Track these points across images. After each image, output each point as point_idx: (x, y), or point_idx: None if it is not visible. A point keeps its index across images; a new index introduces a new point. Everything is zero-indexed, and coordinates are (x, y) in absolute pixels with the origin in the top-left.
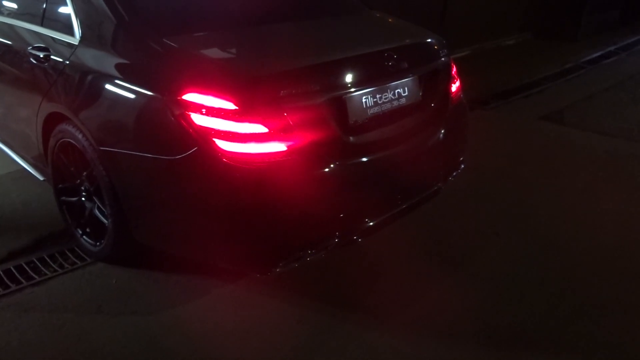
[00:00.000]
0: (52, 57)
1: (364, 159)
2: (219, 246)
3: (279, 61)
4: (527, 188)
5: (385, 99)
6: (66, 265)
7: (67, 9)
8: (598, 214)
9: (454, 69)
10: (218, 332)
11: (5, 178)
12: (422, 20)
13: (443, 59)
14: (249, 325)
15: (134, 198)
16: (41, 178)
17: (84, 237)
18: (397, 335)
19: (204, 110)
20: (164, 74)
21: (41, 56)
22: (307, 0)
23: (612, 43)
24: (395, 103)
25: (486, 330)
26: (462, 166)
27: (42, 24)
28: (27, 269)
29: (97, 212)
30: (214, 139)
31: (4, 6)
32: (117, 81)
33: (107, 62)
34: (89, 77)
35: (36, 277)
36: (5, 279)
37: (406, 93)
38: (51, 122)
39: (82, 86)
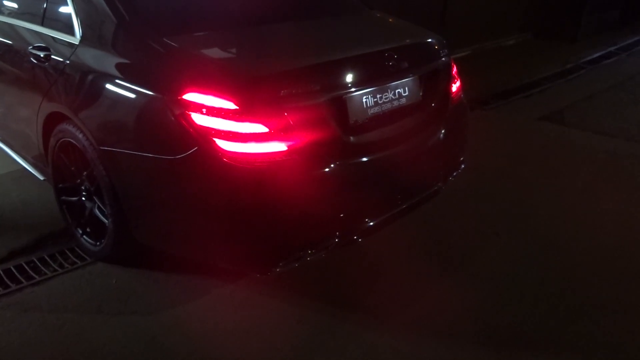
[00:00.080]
0: (52, 56)
1: (364, 159)
2: (219, 246)
3: (279, 61)
4: (527, 188)
5: (385, 98)
6: (66, 265)
7: (67, 9)
8: (598, 214)
9: (454, 69)
10: (218, 332)
11: (5, 178)
12: (422, 20)
13: (443, 59)
14: (248, 325)
15: (134, 198)
16: (41, 178)
17: (84, 236)
18: (397, 335)
19: (204, 110)
20: (165, 74)
21: (42, 56)
22: (307, 0)
23: (612, 43)
24: (396, 103)
25: (486, 330)
26: (462, 166)
27: (42, 24)
28: (27, 268)
29: (97, 211)
30: (215, 139)
31: (4, 6)
32: (117, 81)
33: (108, 61)
34: (90, 77)
35: (36, 276)
36: (5, 278)
37: (406, 93)
38: (51, 121)
39: (82, 86)
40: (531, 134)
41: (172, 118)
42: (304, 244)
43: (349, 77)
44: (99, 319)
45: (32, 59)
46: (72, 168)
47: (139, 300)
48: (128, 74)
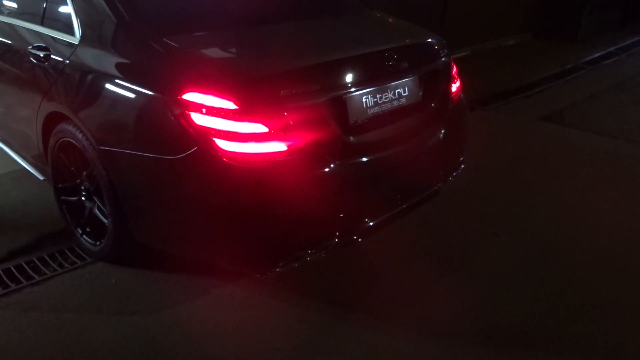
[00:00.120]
0: (52, 56)
1: (364, 159)
2: (219, 246)
3: (279, 61)
4: (527, 188)
5: (385, 99)
6: (66, 265)
7: (67, 9)
8: (598, 214)
9: (454, 69)
10: (218, 332)
11: (5, 177)
12: (422, 20)
13: (443, 59)
14: (248, 325)
15: (133, 197)
16: (41, 177)
17: (84, 236)
18: (397, 335)
19: (204, 110)
20: (164, 74)
21: (41, 56)
22: (307, 0)
23: (612, 44)
24: (396, 103)
25: (486, 330)
26: (462, 166)
27: (42, 24)
28: (26, 268)
29: (97, 211)
30: (214, 139)
31: (4, 5)
32: (117, 81)
33: (108, 61)
34: (89, 77)
35: (36, 276)
36: (5, 278)
37: (406, 93)
38: (51, 121)
39: (82, 86)
40: (531, 134)
41: (172, 118)
42: (304, 244)
43: (349, 77)
44: (99, 318)
45: (31, 58)
46: (72, 168)
47: (139, 300)
48: (128, 73)
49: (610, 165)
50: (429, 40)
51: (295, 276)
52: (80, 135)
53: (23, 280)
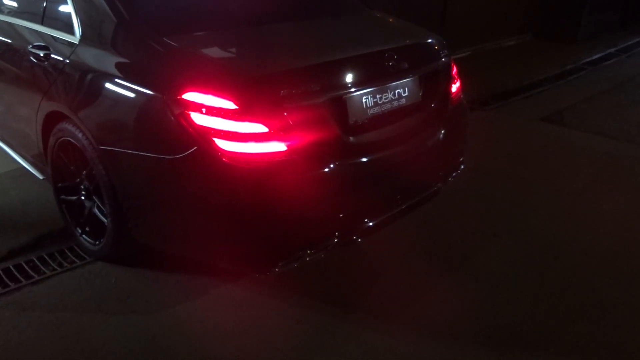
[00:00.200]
0: (52, 55)
1: (364, 159)
2: (219, 246)
3: (279, 61)
4: (527, 189)
5: (385, 99)
6: (65, 264)
7: (67, 8)
8: (598, 214)
9: (454, 70)
10: (217, 332)
11: (4, 177)
12: (422, 20)
13: (443, 59)
14: (248, 325)
15: (133, 197)
16: (41, 177)
17: (84, 236)
18: (397, 335)
19: (204, 110)
20: (164, 73)
21: (41, 55)
22: (307, 0)
23: (612, 44)
24: (396, 103)
25: (486, 330)
26: (462, 166)
27: (42, 23)
28: (26, 267)
29: (96, 211)
30: (214, 139)
31: (4, 5)
32: (117, 80)
33: (107, 61)
34: (89, 76)
35: (35, 275)
36: (4, 277)
37: (406, 93)
38: (51, 120)
39: (82, 85)
40: (531, 134)
41: (172, 118)
42: (304, 244)
43: (349, 77)
44: (99, 318)
45: (31, 58)
46: (72, 167)
47: (139, 300)
48: (128, 73)
49: (610, 166)
50: (429, 40)
51: (295, 276)
52: (80, 135)
53: (22, 279)
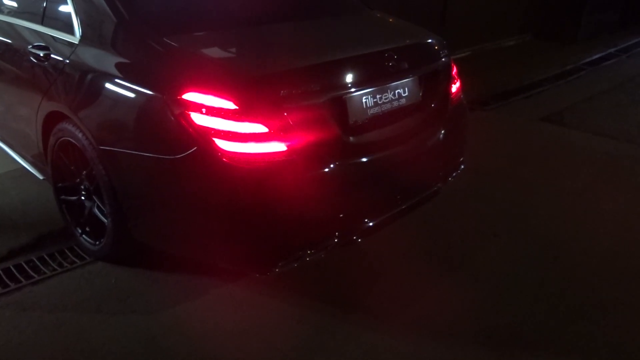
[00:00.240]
0: (52, 55)
1: (364, 159)
2: (219, 246)
3: (279, 61)
4: (527, 189)
5: (385, 99)
6: (65, 264)
7: (67, 8)
8: (598, 214)
9: (454, 70)
10: (218, 332)
11: (4, 177)
12: (422, 20)
13: (443, 59)
14: (248, 325)
15: (133, 197)
16: (41, 177)
17: (84, 236)
18: (397, 335)
19: (204, 110)
20: (164, 73)
21: (41, 55)
22: (307, 0)
23: (612, 45)
24: (396, 103)
25: (486, 330)
26: (462, 167)
27: (42, 23)
28: (26, 267)
29: (96, 211)
30: (214, 139)
31: (4, 5)
32: (117, 80)
33: (107, 61)
34: (89, 76)
35: (35, 276)
36: (4, 277)
37: (406, 93)
38: (51, 120)
39: (82, 85)
40: (531, 135)
41: (172, 118)
42: (304, 244)
43: (349, 78)
44: (99, 318)
45: (31, 58)
46: (72, 167)
47: (139, 300)
48: (128, 73)
49: (610, 166)
50: (429, 40)
51: (295, 276)
52: (80, 135)
53: (22, 279)
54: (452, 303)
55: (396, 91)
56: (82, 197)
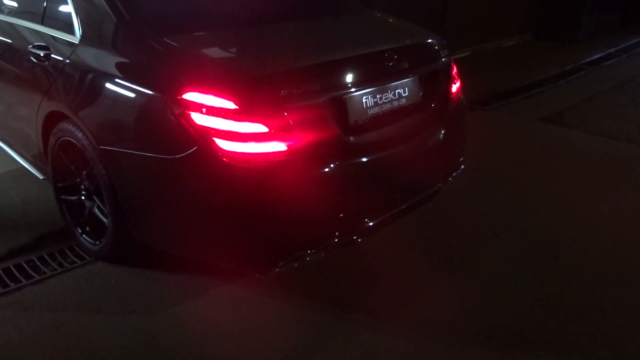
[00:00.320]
0: (52, 55)
1: (364, 159)
2: (219, 246)
3: (279, 61)
4: (527, 189)
5: (385, 99)
6: (65, 264)
7: (67, 8)
8: (598, 214)
9: (454, 70)
10: (217, 332)
11: (4, 177)
12: (422, 20)
13: (443, 59)
14: (248, 325)
15: (133, 197)
16: (41, 177)
17: (84, 235)
18: (397, 335)
19: (204, 110)
20: (165, 73)
21: (41, 55)
22: (307, 0)
23: (612, 45)
24: (396, 103)
25: (486, 330)
26: (462, 166)
27: (42, 23)
28: (26, 267)
29: (96, 211)
30: (214, 139)
31: (4, 5)
32: (117, 80)
33: (108, 61)
34: (90, 76)
35: (35, 275)
36: (4, 277)
37: (406, 93)
38: (51, 120)
39: (82, 85)
40: (531, 135)
41: (172, 117)
42: (304, 244)
43: (349, 77)
44: (99, 318)
45: (32, 58)
46: (72, 167)
47: (139, 300)
48: (128, 73)
49: (610, 166)
50: (429, 40)
51: (295, 276)
52: (80, 135)
53: (23, 279)
54: (452, 303)
55: (396, 91)
56: (82, 197)
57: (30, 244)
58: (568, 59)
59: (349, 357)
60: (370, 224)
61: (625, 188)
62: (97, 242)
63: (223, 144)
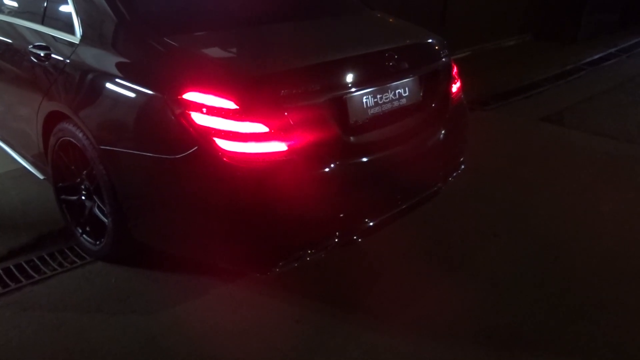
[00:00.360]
0: (52, 55)
1: (364, 159)
2: (219, 246)
3: (279, 61)
4: (527, 189)
5: (385, 99)
6: (66, 264)
7: (68, 8)
8: (598, 214)
9: (455, 70)
10: (217, 331)
11: (4, 177)
12: (422, 20)
13: (443, 59)
14: (248, 325)
15: (133, 197)
16: (41, 177)
17: (84, 235)
18: (397, 335)
19: (204, 110)
20: (165, 73)
21: (42, 55)
22: (307, 0)
23: (612, 45)
24: (396, 103)
25: (486, 330)
26: (462, 166)
27: (42, 23)
28: (26, 267)
29: (96, 210)
30: (215, 138)
31: (4, 5)
32: (117, 80)
33: (108, 61)
34: (90, 76)
35: (36, 275)
36: (4, 277)
37: (407, 93)
38: (51, 120)
39: (82, 85)
40: (531, 135)
41: (172, 117)
42: (304, 244)
43: (349, 77)
44: (99, 318)
45: (32, 58)
46: (72, 167)
47: (139, 300)
48: (128, 73)
49: (610, 166)
50: (430, 40)
51: (295, 276)
52: (80, 135)
53: (23, 279)
54: (452, 303)
55: (396, 91)
56: (83, 197)
57: (31, 244)
58: (568, 59)
59: (349, 357)
60: (371, 224)
61: (625, 188)
62: (97, 242)
63: (223, 143)
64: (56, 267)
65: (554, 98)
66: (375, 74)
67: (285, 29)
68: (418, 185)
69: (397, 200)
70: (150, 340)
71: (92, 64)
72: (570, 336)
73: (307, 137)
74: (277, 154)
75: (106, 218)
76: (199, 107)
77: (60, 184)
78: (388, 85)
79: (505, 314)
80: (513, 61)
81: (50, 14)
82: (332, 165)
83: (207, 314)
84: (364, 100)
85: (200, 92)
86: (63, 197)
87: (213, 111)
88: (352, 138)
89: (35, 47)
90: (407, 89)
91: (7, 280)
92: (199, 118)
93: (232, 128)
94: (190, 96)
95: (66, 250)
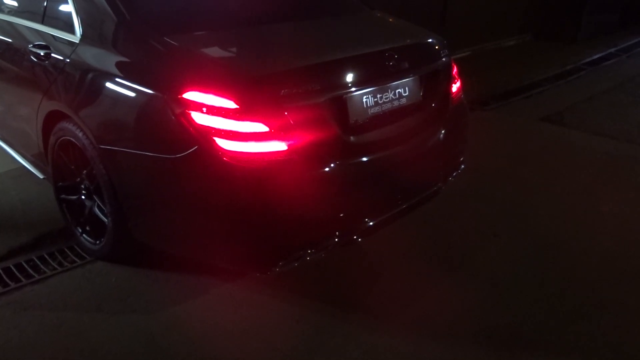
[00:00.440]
0: (52, 55)
1: (365, 159)
2: (219, 245)
3: (279, 60)
4: (527, 189)
5: (385, 98)
6: (66, 264)
7: (68, 7)
8: (598, 214)
9: (455, 70)
10: (217, 331)
11: (4, 176)
12: (422, 20)
13: (444, 59)
14: (248, 325)
15: (133, 197)
16: (41, 176)
17: (84, 235)
18: (397, 335)
19: (204, 109)
20: (165, 73)
21: (42, 54)
22: (307, 0)
23: (612, 45)
24: (396, 103)
25: (486, 330)
26: (462, 166)
27: (42, 22)
28: (26, 267)
29: (96, 210)
30: (215, 138)
31: (4, 4)
32: (117, 79)
33: (108, 60)
34: (90, 75)
35: (36, 275)
36: (4, 277)
37: (407, 93)
38: (51, 120)
39: (82, 84)
40: (531, 135)
41: (173, 117)
42: (304, 244)
43: (350, 77)
44: (99, 317)
45: (32, 57)
46: (72, 166)
47: (139, 300)
48: (128, 72)
49: (610, 166)
50: (430, 40)
51: (295, 276)
52: (80, 134)
53: (23, 278)
54: (452, 303)
55: (397, 91)
56: (83, 197)
57: (31, 244)
58: (568, 59)
59: (349, 357)
60: (371, 223)
61: (625, 188)
62: (97, 242)
63: (223, 143)
64: (56, 266)
65: (554, 98)
66: (375, 74)
67: (285, 28)
68: (418, 185)
69: (397, 200)
70: (150, 340)
71: (92, 63)
72: (570, 336)
73: (307, 137)
74: (277, 154)
75: (106, 218)
76: (199, 106)
77: (60, 184)
78: (388, 85)
79: (505, 314)
80: (513, 61)
81: (50, 13)
82: (332, 165)
83: (207, 314)
84: (364, 100)
85: (200, 91)
86: (63, 196)
87: (213, 111)
88: (352, 138)
89: (35, 46)
90: (407, 88)
91: (7, 280)
92: (199, 117)
93: (232, 128)
94: (191, 96)
95: (66, 250)
